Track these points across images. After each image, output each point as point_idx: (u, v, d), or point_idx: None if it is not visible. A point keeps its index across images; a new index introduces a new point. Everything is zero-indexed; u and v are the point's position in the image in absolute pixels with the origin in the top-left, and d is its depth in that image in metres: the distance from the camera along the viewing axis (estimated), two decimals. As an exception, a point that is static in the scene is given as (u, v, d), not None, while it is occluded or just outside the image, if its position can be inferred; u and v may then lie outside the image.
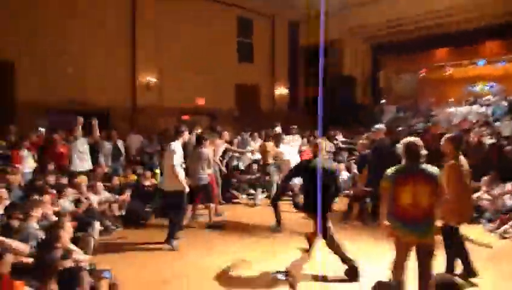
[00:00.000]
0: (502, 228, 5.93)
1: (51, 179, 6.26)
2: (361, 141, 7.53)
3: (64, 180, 6.51)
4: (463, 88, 15.11)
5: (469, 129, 10.00)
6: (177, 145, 5.49)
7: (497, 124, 10.04)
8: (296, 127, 10.95)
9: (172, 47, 12.11)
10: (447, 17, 11.99)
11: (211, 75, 12.90)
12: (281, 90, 15.83)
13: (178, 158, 5.44)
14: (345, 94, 13.56)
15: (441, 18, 12.13)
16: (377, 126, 6.96)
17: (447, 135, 4.44)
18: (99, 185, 6.62)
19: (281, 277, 2.76)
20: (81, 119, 7.04)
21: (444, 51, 14.26)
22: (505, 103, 11.21)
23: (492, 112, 11.27)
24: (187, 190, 5.51)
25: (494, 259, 4.98)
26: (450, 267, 4.19)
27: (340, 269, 4.23)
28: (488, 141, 8.84)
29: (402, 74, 16.50)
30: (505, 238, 5.77)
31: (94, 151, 7.74)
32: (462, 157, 4.21)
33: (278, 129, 8.33)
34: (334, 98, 13.79)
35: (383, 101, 14.74)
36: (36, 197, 5.28)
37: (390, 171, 3.37)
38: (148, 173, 7.90)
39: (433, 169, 3.32)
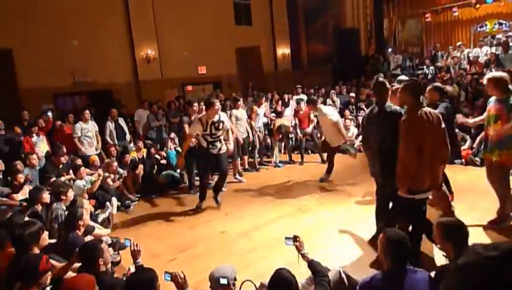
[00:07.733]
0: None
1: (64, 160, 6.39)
2: None
3: (79, 162, 6.62)
4: (472, 29, 14.50)
5: (480, 72, 9.72)
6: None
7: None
8: (300, 86, 10.82)
9: (167, 16, 11.79)
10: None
11: (210, 42, 12.61)
12: (283, 50, 15.49)
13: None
14: (349, 47, 13.19)
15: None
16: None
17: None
18: (112, 162, 6.69)
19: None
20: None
21: (450, -9, 13.61)
22: (515, 41, 10.77)
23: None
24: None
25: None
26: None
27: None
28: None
29: (406, 21, 15.89)
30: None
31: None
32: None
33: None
34: (338, 52, 13.44)
35: (389, 50, 14.32)
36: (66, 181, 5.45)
37: None
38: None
39: None
